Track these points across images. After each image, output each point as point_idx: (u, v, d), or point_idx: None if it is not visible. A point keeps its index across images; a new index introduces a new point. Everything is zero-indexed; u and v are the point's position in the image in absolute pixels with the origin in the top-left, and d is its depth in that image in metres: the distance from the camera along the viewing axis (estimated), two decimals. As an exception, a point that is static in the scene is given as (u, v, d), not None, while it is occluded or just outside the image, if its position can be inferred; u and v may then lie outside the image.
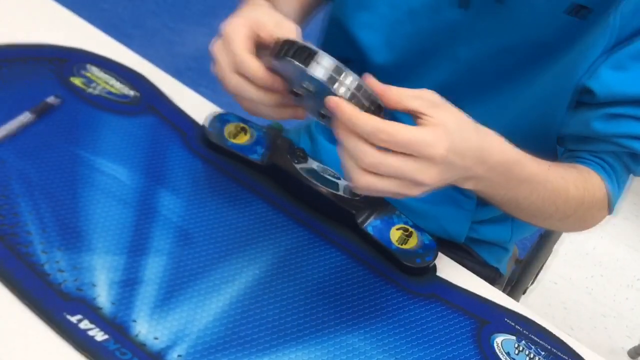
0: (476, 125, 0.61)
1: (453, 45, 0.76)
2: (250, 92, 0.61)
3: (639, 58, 0.69)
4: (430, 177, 0.56)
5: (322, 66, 0.54)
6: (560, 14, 0.69)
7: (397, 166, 0.55)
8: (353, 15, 0.81)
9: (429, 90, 0.58)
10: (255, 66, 0.60)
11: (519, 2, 0.70)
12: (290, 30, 0.62)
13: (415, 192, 0.58)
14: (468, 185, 0.63)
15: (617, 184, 0.75)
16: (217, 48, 0.63)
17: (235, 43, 0.61)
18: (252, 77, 0.61)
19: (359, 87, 0.54)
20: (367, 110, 0.55)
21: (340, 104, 0.54)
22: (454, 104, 0.60)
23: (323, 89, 0.55)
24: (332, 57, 0.54)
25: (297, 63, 0.54)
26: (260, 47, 0.62)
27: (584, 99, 0.73)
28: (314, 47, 0.55)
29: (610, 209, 0.75)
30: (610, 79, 0.70)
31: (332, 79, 0.54)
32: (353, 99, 0.54)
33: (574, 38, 0.70)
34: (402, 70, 0.80)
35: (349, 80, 0.54)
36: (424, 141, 0.54)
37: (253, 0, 0.72)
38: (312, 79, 0.54)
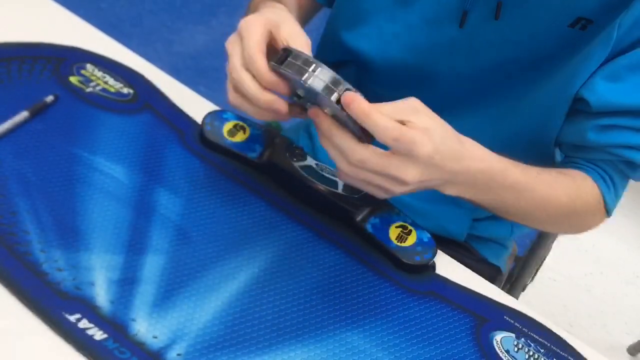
0: (458, 134, 0.61)
1: (451, 60, 0.77)
2: (251, 88, 0.60)
3: (634, 69, 0.69)
4: (412, 175, 0.57)
5: (320, 79, 0.55)
6: (564, 27, 0.69)
7: (382, 162, 0.56)
8: (350, 26, 0.81)
9: (411, 100, 0.59)
10: (263, 66, 0.59)
11: (519, 17, 0.70)
12: (302, 42, 0.61)
13: (397, 189, 0.59)
14: (449, 191, 0.63)
15: (613, 190, 0.75)
16: (231, 41, 0.62)
17: (249, 39, 0.60)
18: (257, 76, 0.60)
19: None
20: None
21: (356, 100, 0.54)
22: (452, 113, 0.61)
23: (319, 98, 0.56)
24: (330, 70, 0.55)
25: (294, 75, 0.56)
26: (271, 51, 0.62)
27: (579, 107, 0.73)
28: (312, 59, 0.56)
29: (606, 213, 0.76)
30: (604, 90, 0.70)
31: (330, 91, 0.55)
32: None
33: (575, 49, 0.71)
34: (399, 79, 0.81)
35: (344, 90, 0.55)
36: (412, 139, 0.55)
37: (271, 3, 0.71)
38: (309, 90, 0.56)
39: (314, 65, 0.55)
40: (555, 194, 0.70)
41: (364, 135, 0.57)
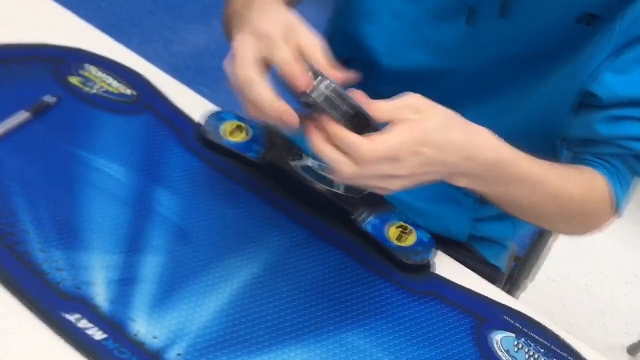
0: (467, 124, 0.61)
1: (457, 56, 0.77)
2: (267, 95, 0.57)
3: None
4: (404, 169, 0.57)
5: (320, 91, 0.55)
6: (570, 23, 0.69)
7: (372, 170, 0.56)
8: (356, 23, 0.81)
9: (415, 96, 0.58)
10: (267, 97, 0.57)
11: (526, 14, 0.71)
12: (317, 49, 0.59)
13: (397, 183, 0.58)
14: (461, 182, 0.63)
15: (623, 186, 0.74)
16: (228, 64, 0.59)
17: (245, 70, 0.57)
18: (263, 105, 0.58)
19: (354, 109, 0.56)
20: (358, 128, 0.56)
21: (331, 127, 0.55)
22: (457, 106, 0.61)
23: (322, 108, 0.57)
24: (331, 81, 0.56)
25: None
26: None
27: (587, 101, 0.73)
28: (315, 69, 0.56)
29: (616, 211, 0.75)
30: (613, 82, 0.70)
31: (330, 103, 0.55)
32: (348, 120, 0.56)
33: (580, 44, 0.71)
34: (405, 75, 0.81)
35: (345, 103, 0.56)
36: (393, 145, 0.55)
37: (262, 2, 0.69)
38: (313, 100, 0.56)
39: (319, 77, 0.55)
40: (569, 187, 0.70)
41: None
